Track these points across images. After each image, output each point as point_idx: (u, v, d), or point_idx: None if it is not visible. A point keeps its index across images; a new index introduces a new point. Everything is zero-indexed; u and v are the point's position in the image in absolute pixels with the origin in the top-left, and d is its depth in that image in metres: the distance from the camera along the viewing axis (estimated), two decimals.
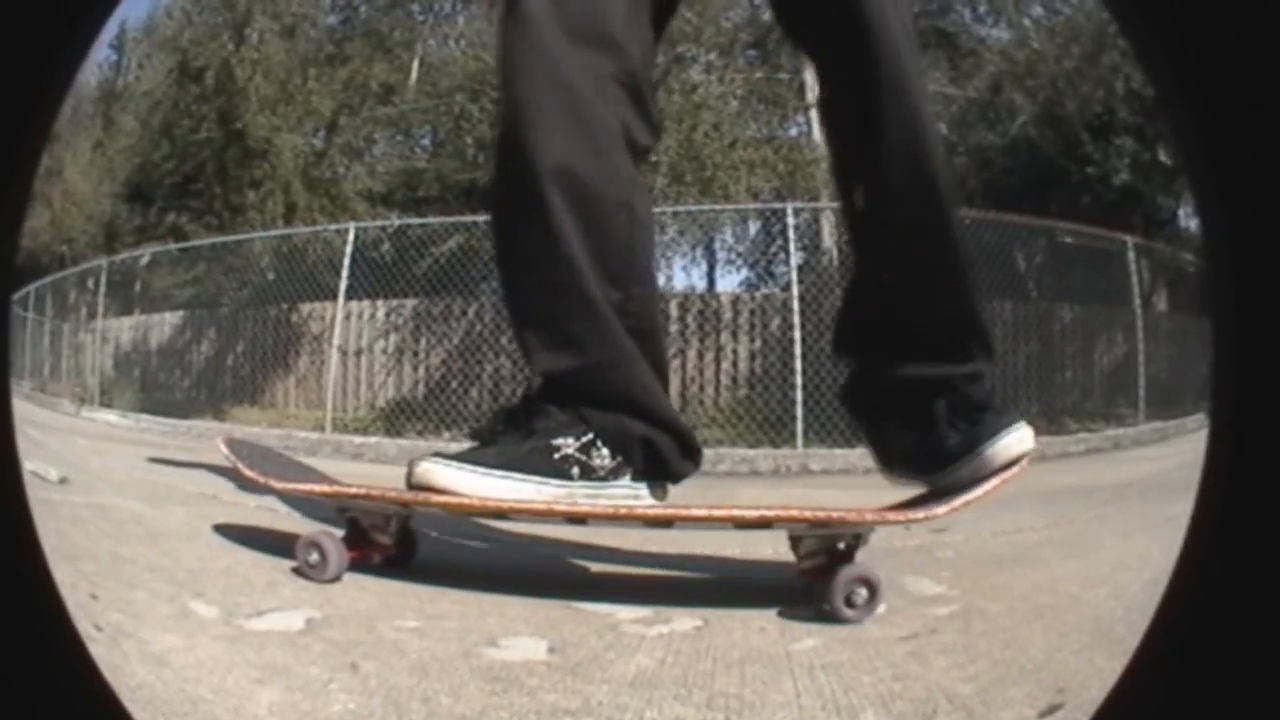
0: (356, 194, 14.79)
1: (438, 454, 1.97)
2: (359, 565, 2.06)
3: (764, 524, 1.93)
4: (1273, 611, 0.90)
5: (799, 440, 9.14)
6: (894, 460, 2.09)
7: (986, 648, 1.63)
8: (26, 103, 0.96)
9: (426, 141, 17.17)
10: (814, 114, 14.65)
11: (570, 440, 1.97)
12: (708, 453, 2.25)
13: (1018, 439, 1.90)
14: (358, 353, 12.19)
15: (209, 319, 13.91)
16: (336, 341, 11.54)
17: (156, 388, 13.88)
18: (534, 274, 2.03)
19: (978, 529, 2.64)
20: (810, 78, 14.60)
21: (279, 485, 2.26)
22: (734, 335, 11.14)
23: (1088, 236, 11.70)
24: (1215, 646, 0.92)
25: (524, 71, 2.01)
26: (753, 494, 5.09)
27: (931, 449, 1.97)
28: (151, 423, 10.51)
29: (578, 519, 2.00)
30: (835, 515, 1.88)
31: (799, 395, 9.34)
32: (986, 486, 1.90)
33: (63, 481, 3.19)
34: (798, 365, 9.48)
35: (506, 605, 1.88)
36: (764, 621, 1.79)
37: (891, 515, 1.92)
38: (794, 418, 9.31)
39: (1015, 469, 1.91)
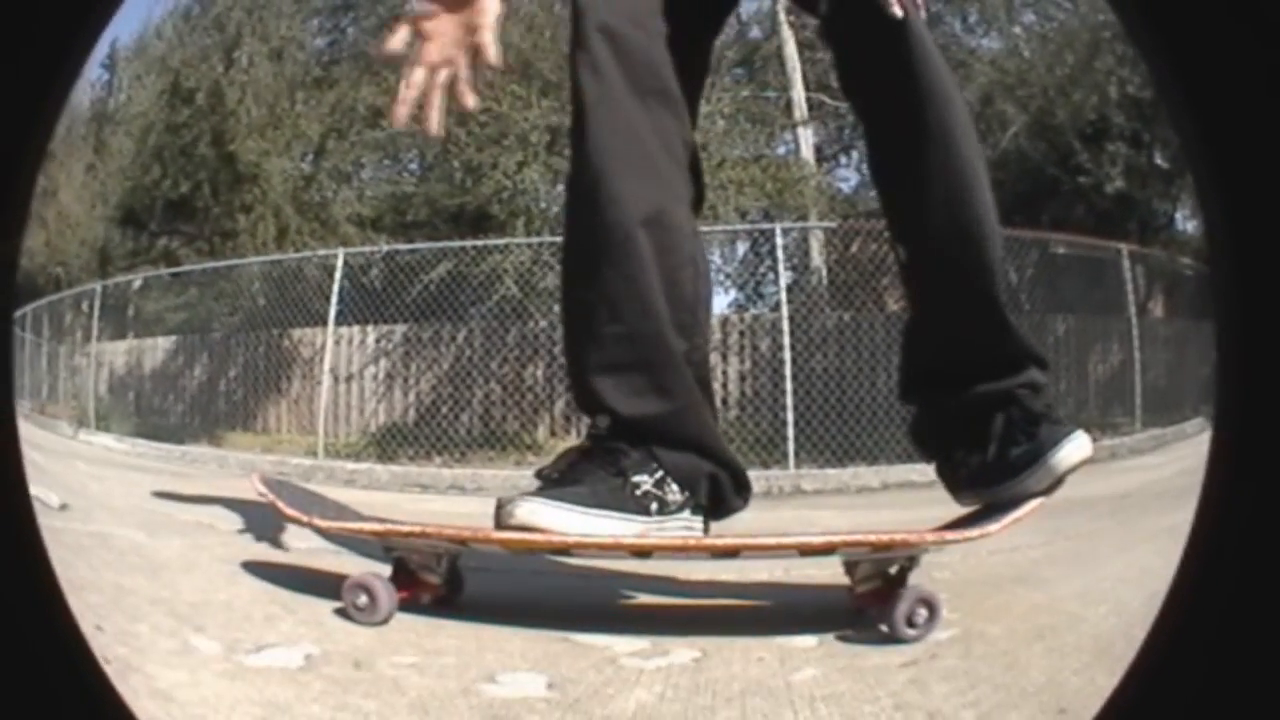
0: (346, 218, 14.75)
1: (531, 493, 1.97)
2: (407, 605, 2.02)
3: (828, 550, 1.97)
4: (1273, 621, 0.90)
5: (790, 461, 9.13)
6: (962, 483, 2.12)
7: (987, 672, 1.63)
8: (25, 113, 0.97)
9: (414, 166, 17.11)
10: (801, 132, 14.68)
11: (646, 477, 2.01)
12: None
13: (1077, 446, 1.95)
14: (348, 378, 12.14)
15: (201, 344, 13.87)
16: (328, 367, 11.51)
17: (151, 412, 13.82)
18: (618, 321, 2.04)
19: (975, 547, 2.62)
20: (798, 95, 14.65)
21: (323, 524, 2.19)
22: (724, 357, 11.09)
23: (1081, 246, 11.70)
24: (1215, 656, 0.93)
25: (601, 120, 2.03)
26: (747, 516, 5.05)
27: (998, 463, 2.02)
28: (147, 447, 10.48)
29: (645, 552, 2.02)
30: (897, 538, 1.94)
31: (790, 416, 9.32)
32: (1033, 504, 1.96)
33: (63, 508, 3.19)
34: (788, 386, 9.46)
35: (505, 639, 1.87)
36: (763, 651, 1.79)
37: (949, 535, 1.98)
38: (785, 438, 9.30)
39: None
